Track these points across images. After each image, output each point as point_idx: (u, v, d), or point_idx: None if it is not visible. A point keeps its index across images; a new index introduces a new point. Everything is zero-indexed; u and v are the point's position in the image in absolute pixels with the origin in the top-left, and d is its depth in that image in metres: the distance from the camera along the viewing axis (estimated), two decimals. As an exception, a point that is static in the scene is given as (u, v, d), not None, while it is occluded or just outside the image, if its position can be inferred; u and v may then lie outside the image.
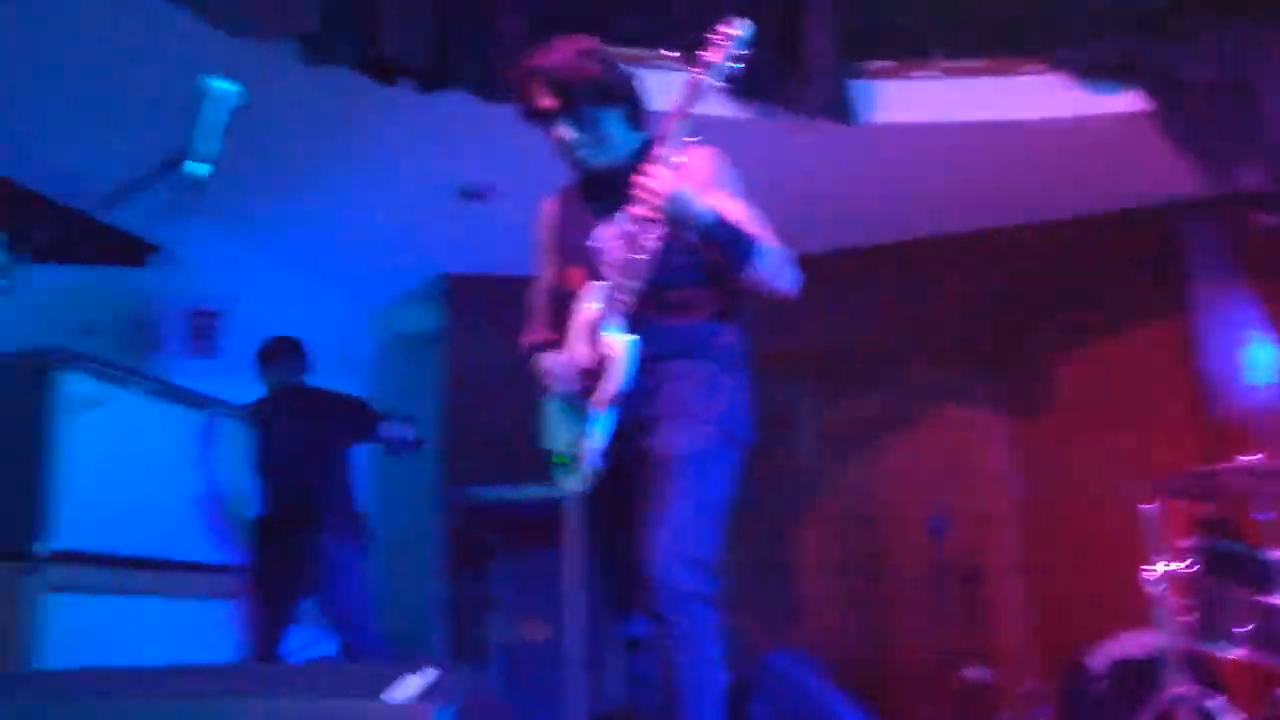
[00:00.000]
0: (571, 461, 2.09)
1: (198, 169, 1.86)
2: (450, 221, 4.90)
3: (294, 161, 4.20)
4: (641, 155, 2.06)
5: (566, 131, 2.10)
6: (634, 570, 1.94)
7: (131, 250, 4.49)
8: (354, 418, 4.32)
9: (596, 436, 2.03)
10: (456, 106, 3.65)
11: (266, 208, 4.65)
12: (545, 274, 2.32)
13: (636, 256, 1.99)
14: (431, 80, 3.54)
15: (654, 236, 1.98)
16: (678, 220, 1.94)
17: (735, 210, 2.05)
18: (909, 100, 4.07)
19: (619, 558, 2.06)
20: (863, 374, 5.33)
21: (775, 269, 2.05)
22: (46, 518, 2.25)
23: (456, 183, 4.50)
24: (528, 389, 2.25)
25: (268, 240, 5.10)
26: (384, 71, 3.45)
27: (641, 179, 1.94)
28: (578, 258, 2.16)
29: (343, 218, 4.90)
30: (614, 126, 2.12)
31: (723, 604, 1.96)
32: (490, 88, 3.50)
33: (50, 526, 2.25)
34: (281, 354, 4.38)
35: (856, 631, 5.09)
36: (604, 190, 2.14)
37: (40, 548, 2.24)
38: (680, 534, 1.92)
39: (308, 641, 4.38)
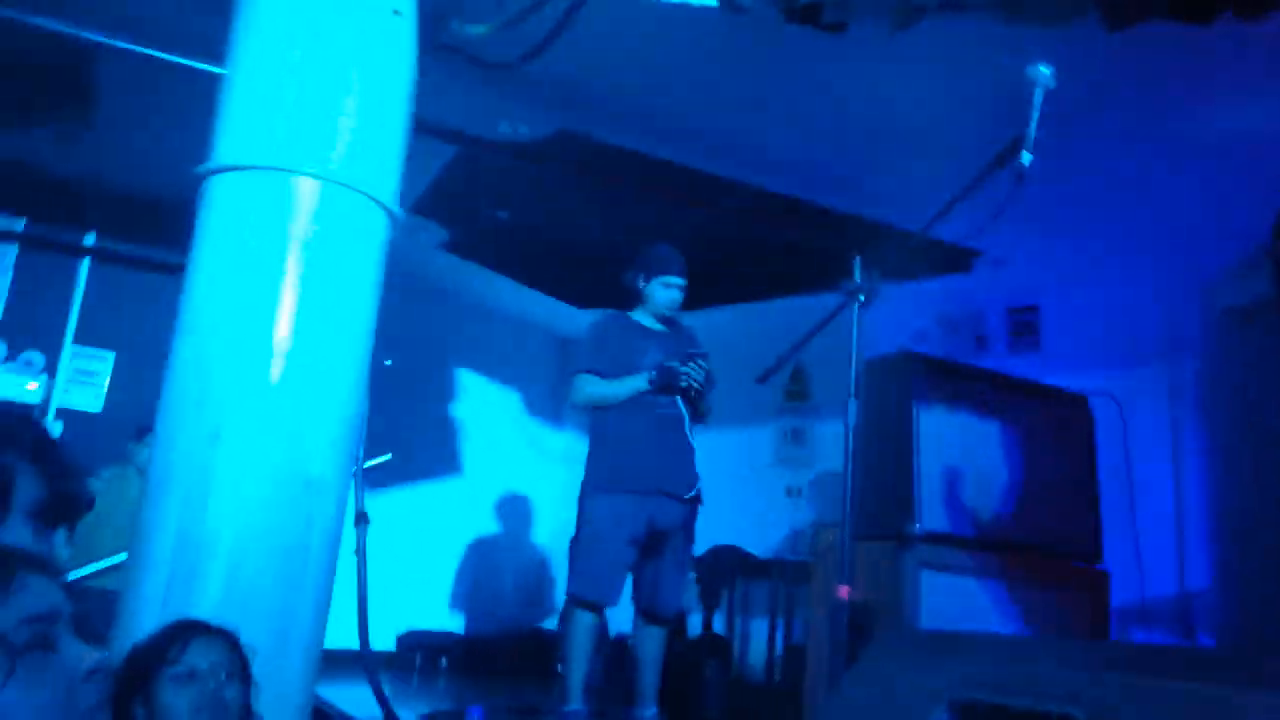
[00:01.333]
0: None
1: (1024, 157, 1.92)
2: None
3: (1100, 141, 4.04)
4: None
5: None
6: None
7: (957, 258, 4.83)
8: None
9: None
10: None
11: (1077, 192, 4.56)
12: None
13: None
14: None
15: None
16: None
17: None
18: None
19: None
20: None
21: None
22: (916, 503, 2.53)
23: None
24: None
25: (1081, 225, 4.98)
26: (1199, 10, 3.05)
27: None
28: None
29: (1164, 182, 4.52)
30: None
31: None
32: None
33: (919, 511, 2.53)
34: None
35: None
36: None
37: (913, 529, 2.52)
38: None
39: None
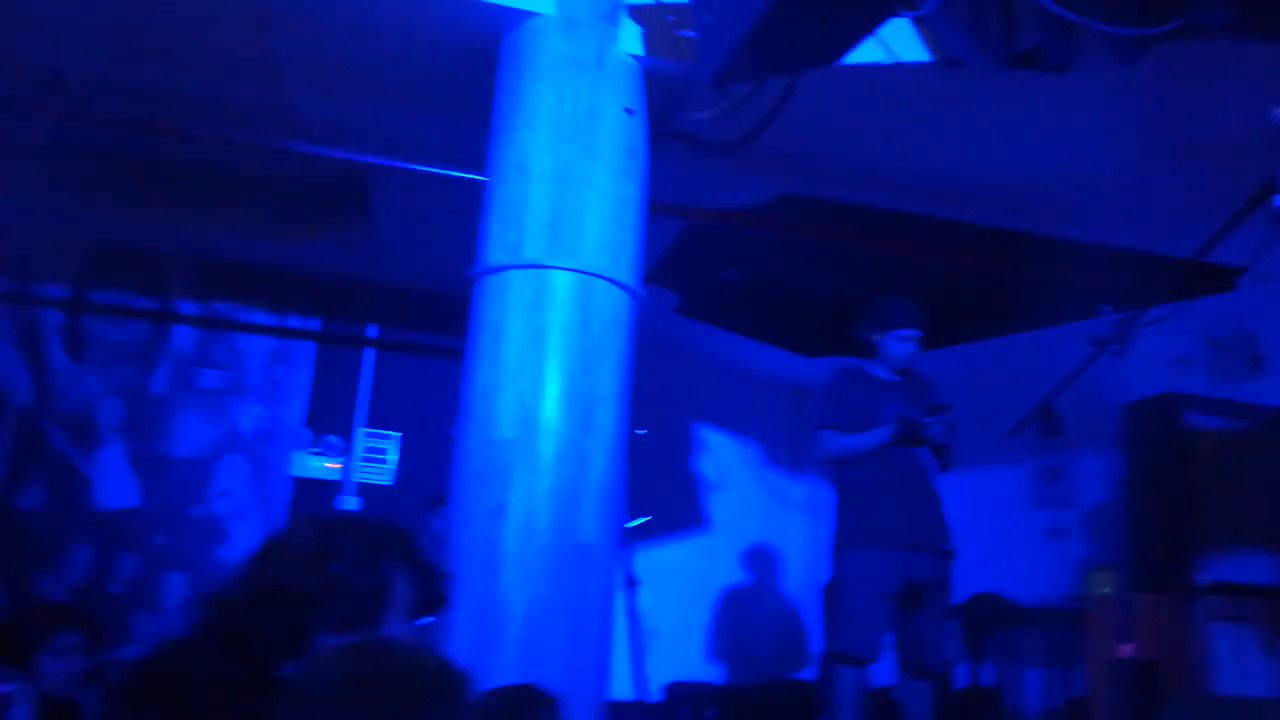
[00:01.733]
0: None
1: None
2: None
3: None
4: None
5: None
6: None
7: (1218, 277, 4.46)
8: None
9: None
10: None
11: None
12: None
13: None
14: None
15: None
16: None
17: None
18: None
19: None
20: None
21: None
22: (1199, 551, 2.39)
23: None
24: None
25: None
26: None
27: None
28: None
29: None
30: None
31: None
32: None
33: (1203, 559, 2.38)
34: None
35: None
36: None
37: (1198, 579, 2.38)
38: None
39: None
